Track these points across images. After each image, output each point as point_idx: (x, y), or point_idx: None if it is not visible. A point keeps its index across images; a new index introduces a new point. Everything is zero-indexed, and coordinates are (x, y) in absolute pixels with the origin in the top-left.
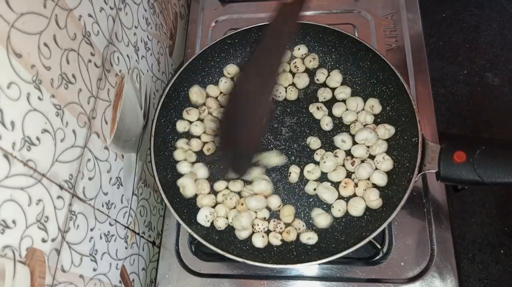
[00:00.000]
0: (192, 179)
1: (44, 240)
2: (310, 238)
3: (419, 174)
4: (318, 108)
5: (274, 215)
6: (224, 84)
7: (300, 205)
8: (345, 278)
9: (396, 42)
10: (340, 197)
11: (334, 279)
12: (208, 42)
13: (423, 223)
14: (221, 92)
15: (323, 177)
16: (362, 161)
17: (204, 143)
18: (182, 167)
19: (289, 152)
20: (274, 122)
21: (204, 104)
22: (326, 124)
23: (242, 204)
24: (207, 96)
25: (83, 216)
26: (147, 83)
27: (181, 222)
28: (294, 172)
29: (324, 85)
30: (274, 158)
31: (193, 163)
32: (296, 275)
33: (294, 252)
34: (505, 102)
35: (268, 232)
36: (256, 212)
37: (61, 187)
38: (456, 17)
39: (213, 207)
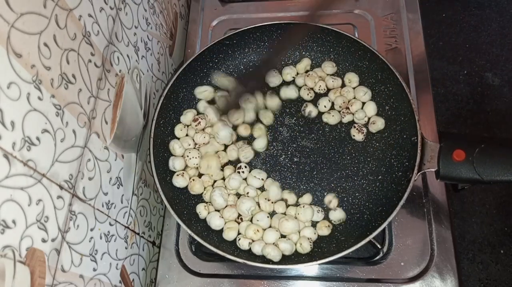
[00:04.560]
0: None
1: (44, 240)
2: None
3: (419, 173)
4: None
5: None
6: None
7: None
8: (345, 278)
9: (396, 42)
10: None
11: (334, 279)
12: (208, 42)
13: (423, 223)
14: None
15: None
16: None
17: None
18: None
19: (289, 153)
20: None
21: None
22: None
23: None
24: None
25: (83, 216)
26: (147, 83)
27: (181, 223)
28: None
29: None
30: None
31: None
32: (296, 275)
33: (294, 252)
34: (505, 102)
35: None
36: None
37: (61, 187)
38: (456, 17)
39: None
